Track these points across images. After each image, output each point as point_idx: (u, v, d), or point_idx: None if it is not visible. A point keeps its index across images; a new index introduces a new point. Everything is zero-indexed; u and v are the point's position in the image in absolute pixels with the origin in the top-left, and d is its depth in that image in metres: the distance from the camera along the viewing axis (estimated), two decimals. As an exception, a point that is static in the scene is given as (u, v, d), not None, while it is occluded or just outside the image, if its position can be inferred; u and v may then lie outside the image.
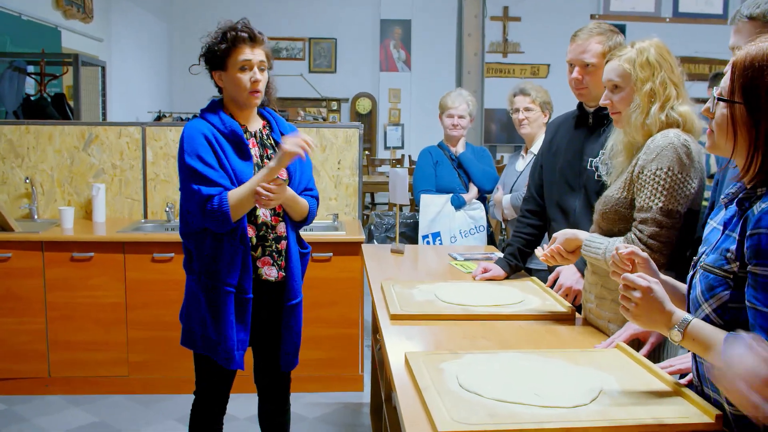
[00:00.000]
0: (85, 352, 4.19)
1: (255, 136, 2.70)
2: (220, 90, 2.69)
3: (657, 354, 2.11)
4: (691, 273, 1.62)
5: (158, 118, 9.72)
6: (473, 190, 4.23)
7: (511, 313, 2.44)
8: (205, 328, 2.61)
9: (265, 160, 2.67)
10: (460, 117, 4.19)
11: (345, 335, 4.32)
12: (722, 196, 1.58)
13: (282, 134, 2.74)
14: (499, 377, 1.79)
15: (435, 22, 11.49)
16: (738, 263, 1.45)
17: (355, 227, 4.51)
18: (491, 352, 2.01)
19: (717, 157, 2.20)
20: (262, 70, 2.61)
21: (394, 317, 2.38)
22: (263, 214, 2.66)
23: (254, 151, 2.67)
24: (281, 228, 2.71)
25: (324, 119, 11.94)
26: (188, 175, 2.54)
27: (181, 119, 9.77)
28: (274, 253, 2.69)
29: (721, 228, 1.54)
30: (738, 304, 1.46)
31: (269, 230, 2.68)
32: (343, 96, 12.06)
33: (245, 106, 2.66)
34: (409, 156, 10.75)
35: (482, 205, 4.24)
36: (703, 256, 1.58)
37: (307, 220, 2.79)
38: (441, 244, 4.17)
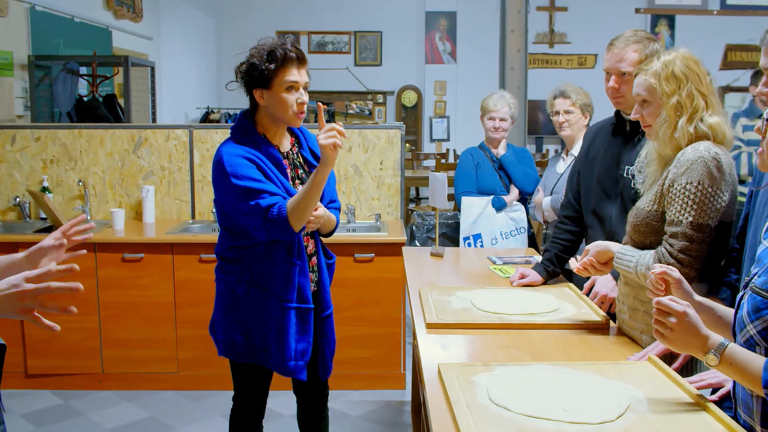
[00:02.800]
0: (136, 349, 4.34)
1: (287, 157, 2.70)
2: (254, 106, 2.63)
3: (689, 367, 2.12)
4: (741, 293, 1.64)
5: (206, 114, 9.91)
6: (514, 191, 4.25)
7: (545, 322, 2.47)
8: (250, 338, 2.66)
9: (296, 181, 2.68)
10: (502, 120, 4.21)
11: (387, 334, 4.39)
12: None
13: (311, 150, 2.76)
14: (529, 391, 1.83)
15: (480, 13, 11.44)
16: None
17: (397, 228, 4.56)
18: (523, 364, 2.05)
19: (750, 166, 2.18)
20: (305, 90, 2.60)
21: (430, 326, 2.43)
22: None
23: (288, 171, 2.66)
24: (311, 246, 2.77)
25: (370, 112, 12.01)
26: (241, 196, 2.49)
27: (229, 114, 9.95)
28: (310, 272, 2.76)
29: None
30: None
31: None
32: (388, 89, 12.10)
33: (287, 125, 2.65)
34: (454, 150, 10.75)
35: (523, 207, 4.26)
36: (755, 277, 1.59)
37: (333, 232, 2.85)
38: (482, 245, 4.21)
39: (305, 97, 2.60)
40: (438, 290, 2.86)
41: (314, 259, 2.79)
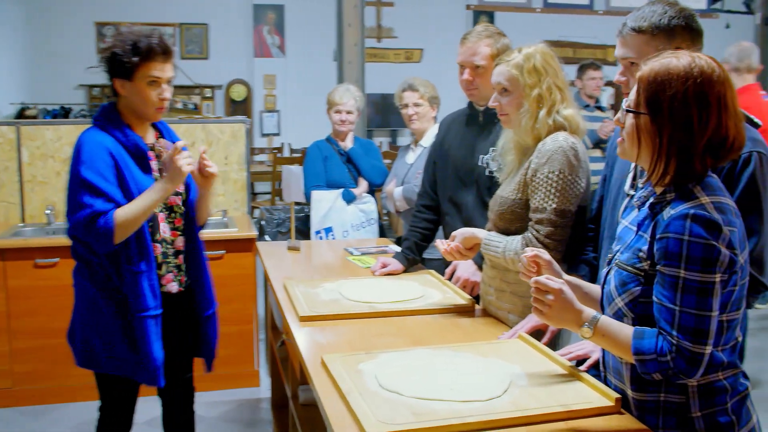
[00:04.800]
0: (-36, 366, 3.99)
1: (153, 149, 2.62)
2: (114, 94, 2.54)
3: (554, 342, 2.26)
4: (606, 269, 1.77)
5: (21, 110, 9.22)
6: (363, 184, 4.31)
7: (415, 308, 2.54)
8: (113, 348, 2.52)
9: (163, 174, 2.58)
10: (348, 113, 4.26)
11: (240, 332, 4.31)
12: (635, 199, 1.73)
13: None
14: (416, 374, 1.88)
15: (309, 7, 11.45)
16: (649, 262, 1.60)
17: (245, 223, 4.49)
18: (404, 349, 2.10)
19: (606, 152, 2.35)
20: (168, 85, 2.53)
21: (304, 319, 2.43)
22: (163, 231, 2.60)
23: (153, 164, 2.59)
24: (179, 242, 2.67)
25: (195, 107, 11.67)
26: (83, 188, 2.39)
27: (47, 110, 9.32)
28: (174, 269, 2.66)
29: (635, 228, 1.69)
30: (648, 298, 1.61)
31: (169, 246, 2.64)
32: (216, 83, 11.83)
33: (145, 119, 2.58)
34: (289, 144, 10.70)
35: (373, 199, 4.33)
36: (618, 254, 1.72)
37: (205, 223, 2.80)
38: (334, 238, 4.24)
39: (167, 93, 2.53)
40: (304, 283, 2.85)
41: (181, 257, 2.68)
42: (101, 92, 10.62)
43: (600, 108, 5.88)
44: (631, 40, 1.92)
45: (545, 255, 1.87)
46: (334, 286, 2.79)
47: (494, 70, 2.42)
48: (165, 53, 2.48)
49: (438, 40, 11.87)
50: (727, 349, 1.62)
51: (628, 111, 1.65)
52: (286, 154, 10.31)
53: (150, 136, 2.64)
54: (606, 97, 10.03)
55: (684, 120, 1.56)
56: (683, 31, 1.88)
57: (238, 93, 12.05)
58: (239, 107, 11.93)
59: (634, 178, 2.02)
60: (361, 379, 1.87)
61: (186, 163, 2.45)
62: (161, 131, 2.70)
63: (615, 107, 9.97)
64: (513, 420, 1.66)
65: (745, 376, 1.69)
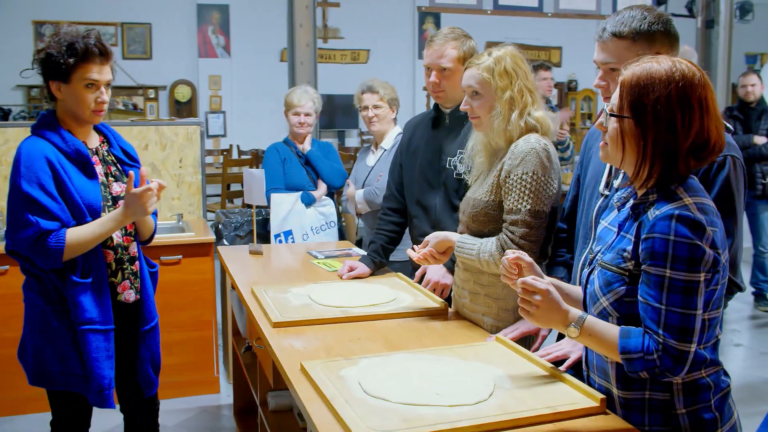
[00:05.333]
0: None
1: (97, 153, 2.54)
2: (51, 97, 2.45)
3: (528, 341, 2.28)
4: (588, 270, 1.78)
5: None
6: (322, 187, 4.28)
7: (388, 312, 2.52)
8: (65, 363, 2.43)
9: (110, 178, 2.54)
10: (307, 115, 4.22)
11: (199, 338, 4.23)
12: (615, 200, 1.75)
13: (122, 149, 2.62)
14: (400, 380, 1.87)
15: (254, 7, 11.36)
16: (633, 262, 1.62)
17: (201, 227, 4.42)
18: (384, 354, 2.09)
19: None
20: (107, 88, 2.45)
21: (277, 325, 2.39)
22: (116, 235, 2.52)
23: (98, 168, 2.50)
24: (133, 248, 2.60)
25: (135, 107, 11.44)
26: (25, 204, 2.31)
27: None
28: (131, 276, 2.58)
29: (616, 229, 1.71)
30: (632, 298, 1.63)
31: (124, 251, 2.56)
32: (160, 84, 11.66)
33: (85, 124, 2.49)
34: (238, 146, 10.58)
35: (332, 201, 4.30)
36: (600, 254, 1.74)
37: (152, 237, 2.73)
38: (293, 241, 4.20)
39: (106, 96, 2.45)
40: (272, 288, 2.81)
41: (136, 263, 2.61)
42: (40, 93, 10.35)
43: (552, 109, 5.96)
44: (612, 45, 1.94)
45: (526, 257, 1.87)
46: (304, 291, 2.76)
47: (465, 74, 2.42)
48: (103, 54, 2.40)
49: (385, 40, 11.92)
50: (708, 346, 1.66)
51: (611, 115, 1.67)
52: (235, 156, 10.19)
53: (93, 140, 2.56)
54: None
55: (668, 123, 1.59)
56: (662, 36, 1.91)
57: (183, 94, 11.89)
58: (184, 108, 11.78)
59: (609, 179, 2.05)
60: (344, 385, 1.85)
61: (152, 203, 2.41)
62: (106, 135, 2.61)
63: (560, 107, 10.12)
64: (502, 423, 1.66)
65: (726, 374, 1.73)
